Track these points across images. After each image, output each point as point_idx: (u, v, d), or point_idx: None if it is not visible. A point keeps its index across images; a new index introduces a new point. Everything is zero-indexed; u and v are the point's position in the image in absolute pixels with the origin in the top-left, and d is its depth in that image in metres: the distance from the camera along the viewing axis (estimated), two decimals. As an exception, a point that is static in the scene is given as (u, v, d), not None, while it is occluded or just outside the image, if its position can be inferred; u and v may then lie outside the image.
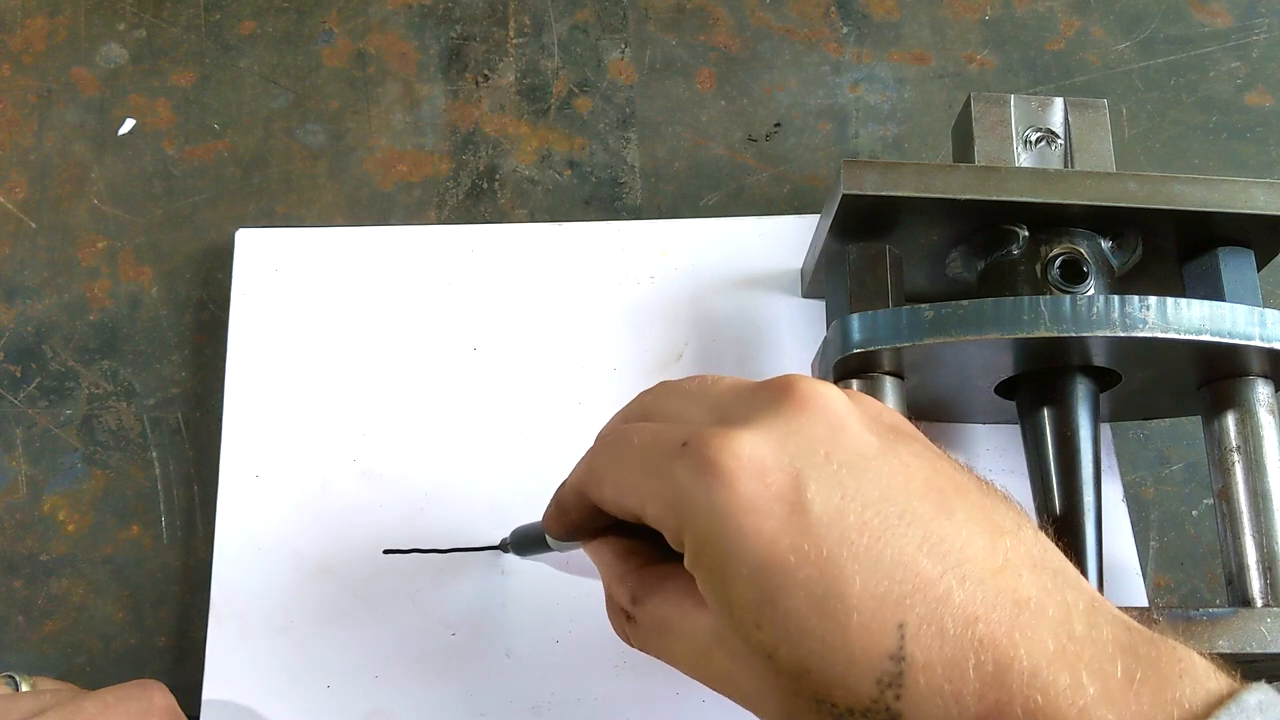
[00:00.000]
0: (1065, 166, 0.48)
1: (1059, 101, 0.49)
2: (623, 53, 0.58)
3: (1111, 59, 0.59)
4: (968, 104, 0.49)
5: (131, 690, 0.37)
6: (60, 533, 0.48)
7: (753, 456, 0.26)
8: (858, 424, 0.27)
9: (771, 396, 0.28)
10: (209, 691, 0.44)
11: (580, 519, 0.33)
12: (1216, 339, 0.40)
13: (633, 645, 0.32)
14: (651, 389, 0.33)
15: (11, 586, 0.47)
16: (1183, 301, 0.40)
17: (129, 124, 0.56)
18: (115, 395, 0.50)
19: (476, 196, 0.55)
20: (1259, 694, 0.23)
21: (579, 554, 0.38)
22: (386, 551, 0.46)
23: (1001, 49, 0.59)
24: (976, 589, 0.24)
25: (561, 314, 0.51)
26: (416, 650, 0.45)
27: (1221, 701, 0.23)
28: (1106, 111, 0.49)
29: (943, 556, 0.25)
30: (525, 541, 0.42)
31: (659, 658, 0.30)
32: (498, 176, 0.55)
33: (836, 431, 0.27)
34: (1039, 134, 0.48)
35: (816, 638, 0.25)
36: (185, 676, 0.45)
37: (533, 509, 0.47)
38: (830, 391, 0.28)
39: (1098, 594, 0.26)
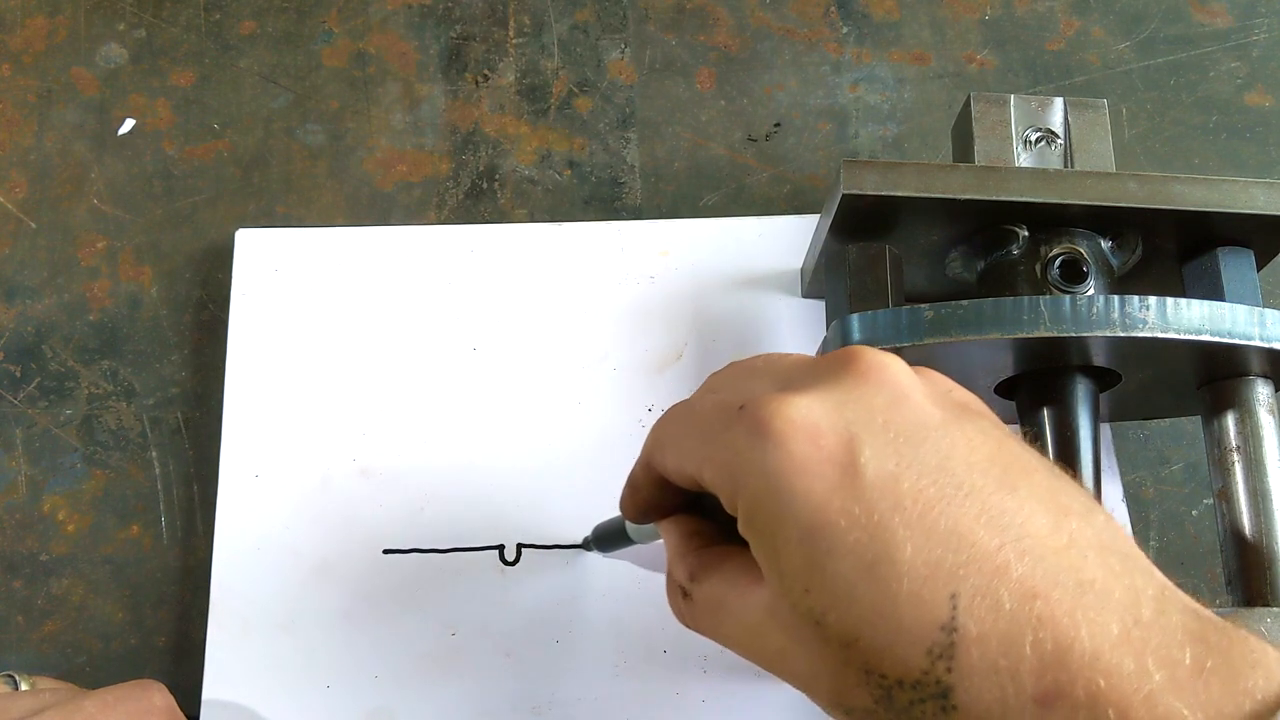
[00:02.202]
0: (1065, 166, 0.48)
1: (1059, 101, 0.49)
2: (623, 53, 0.58)
3: (1111, 59, 0.59)
4: (968, 104, 0.49)
5: (131, 690, 0.37)
6: (60, 533, 0.48)
7: (806, 419, 0.26)
8: (921, 396, 0.27)
9: (833, 366, 0.28)
10: (209, 691, 0.44)
11: (650, 495, 0.33)
12: (1216, 339, 0.40)
13: (688, 625, 0.32)
14: (720, 369, 0.32)
15: (11, 586, 0.47)
16: (1183, 301, 0.40)
17: (129, 124, 0.56)
18: (115, 395, 0.50)
19: (476, 196, 0.55)
20: None
21: (655, 551, 0.39)
22: (386, 551, 0.46)
23: (1001, 49, 0.59)
24: (1037, 565, 0.24)
25: (561, 314, 0.51)
26: (416, 650, 0.45)
27: None
28: (1106, 111, 0.49)
29: (1002, 530, 0.24)
30: (606, 536, 0.42)
31: (712, 637, 0.30)
32: (498, 176, 0.55)
33: (897, 401, 0.26)
34: (1039, 134, 0.48)
35: (865, 604, 0.24)
36: (185, 676, 0.45)
37: (533, 509, 0.47)
38: (895, 363, 0.27)
39: (1169, 582, 0.25)
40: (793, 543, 0.25)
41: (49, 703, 0.35)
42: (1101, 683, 0.22)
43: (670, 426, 0.31)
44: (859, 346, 0.28)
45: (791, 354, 0.31)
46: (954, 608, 0.23)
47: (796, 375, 0.29)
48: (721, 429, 0.27)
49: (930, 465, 0.25)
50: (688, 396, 0.32)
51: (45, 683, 0.40)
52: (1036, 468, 0.26)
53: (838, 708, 0.26)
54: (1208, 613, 0.24)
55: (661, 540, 0.35)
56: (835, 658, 0.25)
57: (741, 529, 0.27)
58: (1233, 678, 0.22)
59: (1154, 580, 0.25)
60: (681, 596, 0.31)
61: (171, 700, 0.38)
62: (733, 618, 0.29)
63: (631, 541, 0.40)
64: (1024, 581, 0.23)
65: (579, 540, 0.46)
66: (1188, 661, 0.23)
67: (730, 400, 0.28)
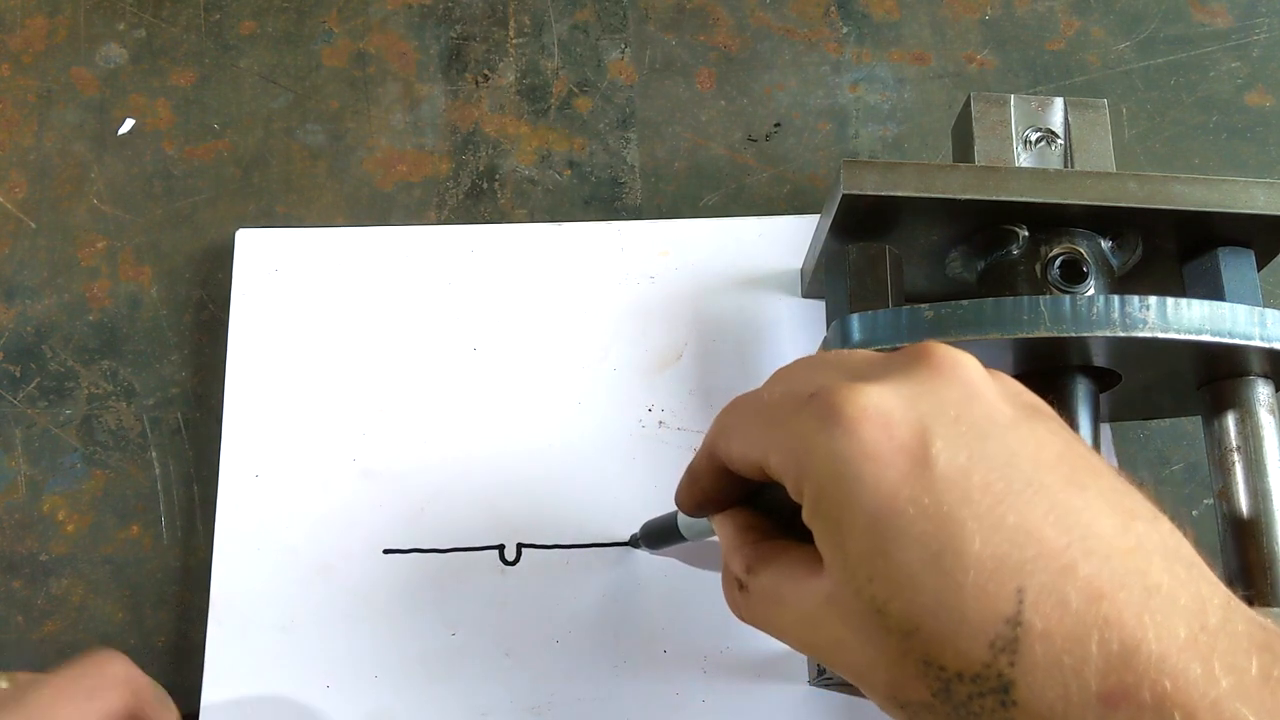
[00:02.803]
0: (1065, 166, 0.48)
1: (1059, 101, 0.49)
2: (623, 53, 0.58)
3: (1111, 59, 0.59)
4: (968, 104, 0.49)
5: (87, 667, 0.36)
6: (60, 533, 0.48)
7: (879, 407, 0.26)
8: (993, 394, 0.27)
9: (907, 360, 0.27)
10: (209, 691, 0.44)
11: (709, 487, 0.33)
12: (1216, 339, 0.40)
13: (743, 618, 0.31)
14: (787, 364, 0.32)
15: (11, 586, 0.47)
16: (1183, 301, 0.40)
17: (129, 124, 0.56)
18: (115, 395, 0.50)
19: (476, 196, 0.55)
20: None
21: (704, 548, 0.39)
22: (386, 551, 0.46)
23: (1001, 49, 0.59)
24: (1104, 565, 0.24)
25: (561, 314, 0.51)
26: (416, 650, 0.45)
27: None
28: (1106, 111, 0.49)
29: (1069, 529, 0.24)
30: (656, 533, 0.42)
31: (767, 629, 0.30)
32: (498, 176, 0.55)
33: (970, 398, 0.26)
34: (1039, 134, 0.48)
35: (929, 593, 0.24)
36: (185, 676, 0.45)
37: (533, 509, 0.47)
38: (969, 360, 0.28)
39: (1232, 593, 0.25)
40: (859, 529, 0.25)
41: (5, 698, 0.35)
42: (1168, 685, 0.22)
43: (736, 414, 0.30)
44: (933, 342, 0.28)
45: (862, 350, 0.31)
46: (1020, 602, 0.23)
47: (868, 368, 0.28)
48: (790, 415, 0.27)
49: (1000, 460, 0.25)
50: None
51: (23, 677, 0.39)
52: (1104, 470, 0.26)
53: (893, 701, 0.26)
54: (1271, 623, 0.24)
55: (712, 538, 0.35)
56: (895, 648, 0.25)
57: (806, 515, 0.27)
58: None
59: (1219, 589, 0.24)
60: (738, 589, 0.31)
61: (132, 668, 0.37)
62: (789, 609, 0.28)
63: (683, 538, 0.39)
64: (1091, 581, 0.23)
65: (579, 540, 0.46)
66: (1254, 670, 0.23)
67: (799, 390, 0.28)
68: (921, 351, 0.27)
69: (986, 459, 0.25)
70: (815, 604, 0.27)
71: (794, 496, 0.28)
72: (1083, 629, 0.23)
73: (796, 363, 0.32)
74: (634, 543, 0.45)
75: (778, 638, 0.30)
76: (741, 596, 0.31)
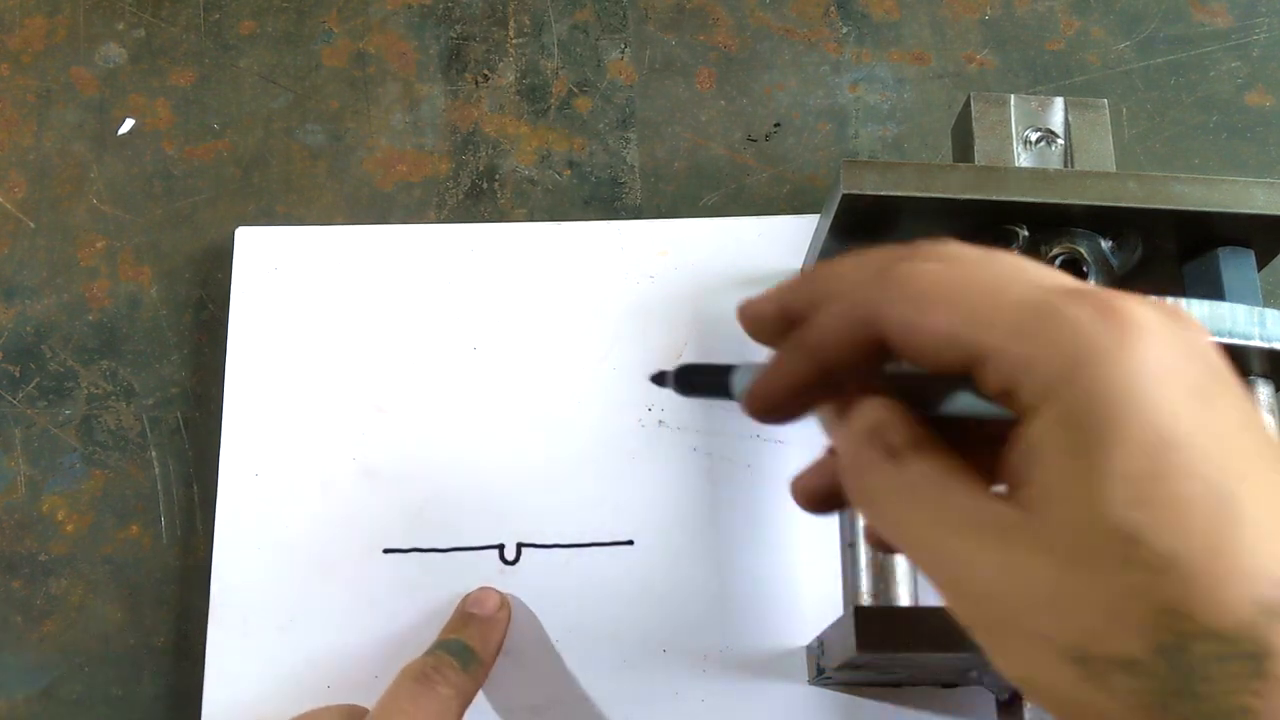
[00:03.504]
0: (1065, 166, 0.48)
1: (1059, 101, 0.49)
2: (623, 53, 0.58)
3: (1111, 59, 0.59)
4: (968, 104, 0.49)
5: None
6: (59, 533, 0.48)
7: (1169, 334, 0.23)
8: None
9: (1165, 305, 0.25)
10: (209, 691, 0.44)
11: (834, 359, 0.26)
12: (1216, 339, 0.40)
13: (866, 498, 0.26)
14: (958, 246, 0.27)
15: (11, 586, 0.47)
16: (1182, 301, 0.40)
17: (128, 124, 0.56)
18: (115, 395, 0.50)
19: (476, 196, 0.55)
20: None
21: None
22: (386, 551, 0.46)
23: (1001, 49, 0.59)
24: None
25: (561, 314, 0.51)
26: (416, 650, 0.45)
27: None
28: (1106, 111, 0.49)
29: None
30: (701, 378, 0.33)
31: (904, 521, 0.25)
32: (497, 176, 0.55)
33: (1227, 368, 0.24)
34: (1039, 134, 0.48)
35: (1202, 531, 0.22)
36: (185, 676, 0.45)
37: (533, 509, 0.47)
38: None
39: None
40: (1138, 446, 0.22)
41: None
42: None
43: (950, 278, 0.25)
44: (1181, 308, 0.26)
45: None
46: None
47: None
48: (1056, 303, 0.23)
49: (1263, 436, 0.23)
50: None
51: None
52: None
53: (1071, 654, 0.22)
54: None
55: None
56: (1126, 586, 0.22)
57: (1047, 417, 0.23)
58: None
59: None
60: (888, 458, 0.25)
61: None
62: (949, 511, 0.24)
63: (726, 395, 0.31)
64: None
65: (579, 540, 0.46)
66: None
67: (1051, 283, 0.24)
68: (1178, 308, 0.25)
69: (1255, 426, 0.23)
70: (990, 517, 0.24)
71: (1020, 396, 0.24)
72: None
73: (981, 252, 0.26)
74: (659, 379, 0.34)
75: (907, 538, 0.25)
76: (891, 469, 0.25)
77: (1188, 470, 0.22)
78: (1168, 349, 0.23)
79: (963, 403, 0.25)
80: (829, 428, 0.28)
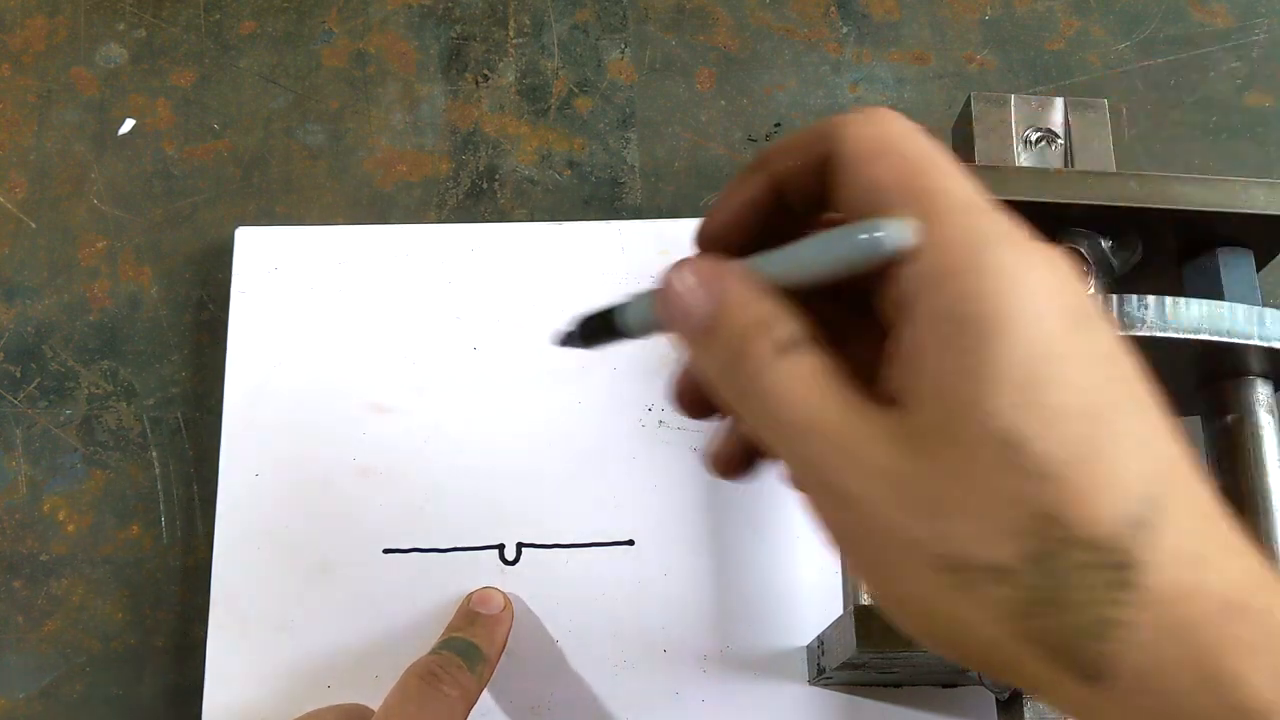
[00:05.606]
0: (1065, 166, 0.48)
1: (1059, 101, 0.49)
2: (623, 53, 0.58)
3: (1111, 59, 0.59)
4: (968, 104, 0.49)
5: None
6: (60, 533, 0.48)
7: (1057, 261, 0.23)
8: None
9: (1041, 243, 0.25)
10: (209, 691, 0.44)
11: (791, 172, 0.26)
12: (1215, 338, 0.40)
13: (745, 399, 0.25)
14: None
15: (11, 586, 0.47)
16: (1181, 300, 0.40)
17: (129, 124, 0.56)
18: (115, 395, 0.50)
19: (476, 196, 0.55)
20: None
21: None
22: (386, 551, 0.46)
23: (1001, 49, 0.59)
24: (1209, 491, 0.23)
25: (562, 314, 0.51)
26: (416, 650, 0.44)
27: None
28: (1106, 111, 0.49)
29: (1183, 448, 0.23)
30: (596, 325, 0.32)
31: (782, 427, 0.24)
32: (498, 176, 0.55)
33: (1098, 309, 0.25)
34: (1039, 134, 0.48)
35: (1081, 441, 0.22)
36: (185, 676, 0.45)
37: (533, 509, 0.47)
38: None
39: None
40: (1025, 351, 0.22)
41: None
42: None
43: (908, 138, 0.25)
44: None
45: None
46: (1161, 489, 0.22)
47: None
48: (976, 203, 0.24)
49: (1133, 368, 0.24)
50: None
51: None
52: None
53: (942, 562, 0.22)
54: None
55: (657, 330, 0.28)
56: (1004, 491, 0.22)
57: (931, 309, 0.23)
58: None
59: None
60: (773, 352, 0.24)
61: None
62: (829, 410, 0.23)
63: (616, 335, 0.31)
64: (1210, 497, 0.23)
65: (579, 540, 0.46)
66: None
67: (980, 192, 0.24)
68: (1051, 246, 0.25)
69: (1121, 353, 0.24)
70: (873, 416, 0.23)
71: (903, 281, 0.23)
72: (1210, 535, 0.22)
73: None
74: (562, 339, 0.34)
75: (786, 440, 0.24)
76: (780, 364, 0.24)
77: (1065, 381, 0.22)
78: (1052, 273, 0.23)
79: (828, 249, 0.24)
80: (690, 329, 0.26)
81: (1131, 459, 0.22)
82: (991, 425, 0.22)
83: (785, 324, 0.24)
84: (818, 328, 0.25)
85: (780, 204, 0.27)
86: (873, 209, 0.24)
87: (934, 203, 0.23)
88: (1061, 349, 0.22)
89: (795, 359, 0.24)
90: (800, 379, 0.24)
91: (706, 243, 0.28)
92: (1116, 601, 0.21)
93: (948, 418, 0.22)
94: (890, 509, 0.22)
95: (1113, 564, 0.21)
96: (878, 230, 0.23)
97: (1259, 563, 0.22)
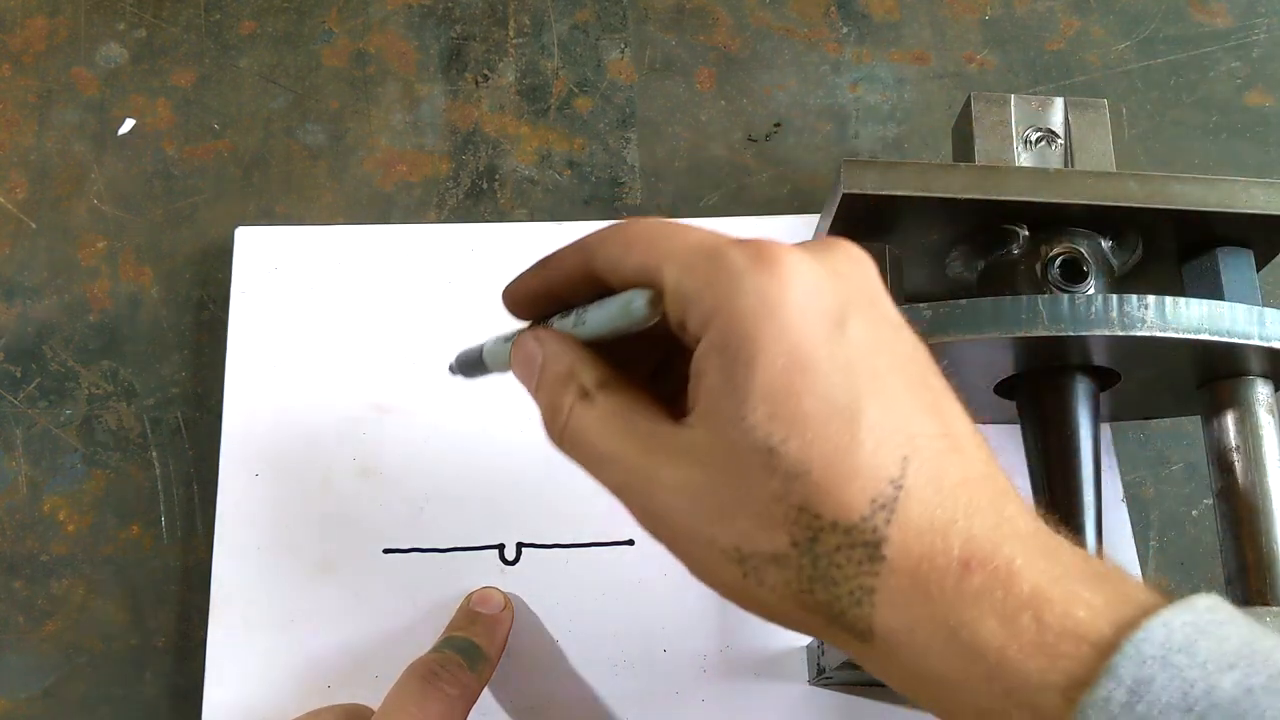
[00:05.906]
0: (1065, 166, 0.48)
1: (1059, 101, 0.49)
2: (623, 53, 0.58)
3: (1111, 59, 0.59)
4: (968, 104, 0.49)
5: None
6: (60, 533, 0.48)
7: (811, 272, 0.27)
8: (889, 297, 0.29)
9: (827, 246, 0.29)
10: (209, 691, 0.44)
11: (559, 282, 0.32)
12: (1215, 338, 0.40)
13: (566, 438, 0.30)
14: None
15: (12, 586, 0.47)
16: (1181, 301, 0.40)
17: (129, 124, 0.56)
18: (115, 395, 0.50)
19: (476, 196, 0.55)
20: (1207, 599, 0.25)
21: None
22: (386, 551, 0.46)
23: (1001, 49, 0.59)
24: (968, 460, 0.27)
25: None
26: (416, 650, 0.44)
27: (1168, 601, 0.25)
28: (1106, 111, 0.49)
29: (947, 422, 0.27)
30: (470, 360, 0.38)
31: (598, 453, 0.29)
32: (498, 176, 0.55)
33: (878, 293, 0.29)
34: (1039, 134, 0.48)
35: (827, 442, 0.26)
36: (185, 676, 0.45)
37: (533, 509, 0.47)
38: (873, 263, 0.30)
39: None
40: (774, 369, 0.26)
41: None
42: (1019, 561, 0.25)
43: (644, 227, 0.30)
44: (845, 240, 0.29)
45: None
46: (904, 470, 0.26)
47: (793, 244, 0.30)
48: (716, 245, 0.28)
49: (901, 354, 0.28)
50: None
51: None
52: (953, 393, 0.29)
53: (734, 554, 0.27)
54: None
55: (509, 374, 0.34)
56: (768, 492, 0.26)
57: (704, 347, 0.27)
58: (1122, 582, 0.25)
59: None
60: (580, 398, 0.30)
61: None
62: (634, 439, 0.28)
63: (486, 370, 0.37)
64: (961, 467, 0.26)
65: (579, 540, 0.46)
66: (1085, 566, 0.26)
67: (726, 236, 0.28)
68: (838, 243, 0.29)
69: (892, 348, 0.27)
70: (666, 439, 0.28)
71: (688, 326, 0.28)
72: (952, 503, 0.26)
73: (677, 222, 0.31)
74: (452, 369, 0.40)
75: (599, 469, 0.29)
76: (581, 409, 0.30)
77: (816, 389, 0.26)
78: (810, 283, 0.27)
79: (607, 316, 0.29)
80: (527, 384, 0.32)
81: (880, 448, 0.26)
82: (752, 436, 0.26)
83: (588, 372, 0.30)
84: (638, 365, 0.31)
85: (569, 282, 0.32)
86: (631, 285, 0.29)
87: (675, 261, 0.28)
88: (812, 358, 0.26)
89: (597, 401, 0.29)
90: (599, 419, 0.29)
91: (512, 307, 0.34)
92: (870, 573, 0.25)
93: (722, 433, 0.26)
94: (688, 517, 0.27)
95: (864, 543, 0.25)
96: (632, 302, 0.29)
97: (1009, 517, 0.26)
